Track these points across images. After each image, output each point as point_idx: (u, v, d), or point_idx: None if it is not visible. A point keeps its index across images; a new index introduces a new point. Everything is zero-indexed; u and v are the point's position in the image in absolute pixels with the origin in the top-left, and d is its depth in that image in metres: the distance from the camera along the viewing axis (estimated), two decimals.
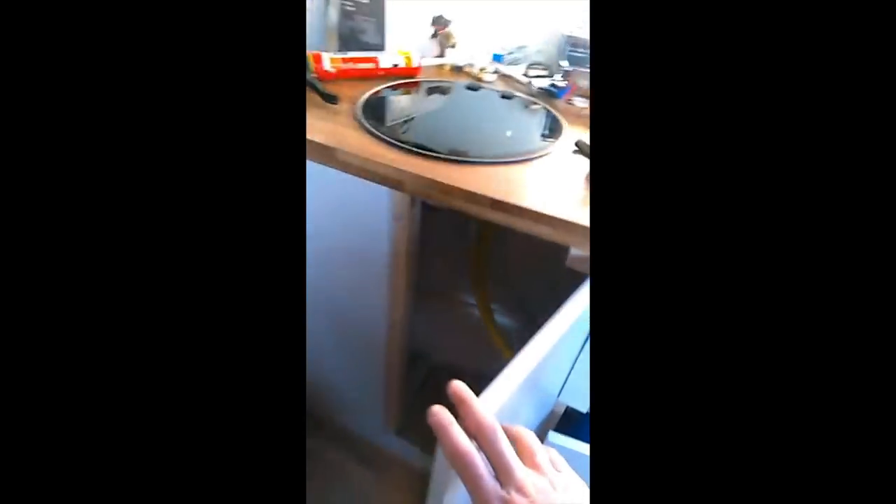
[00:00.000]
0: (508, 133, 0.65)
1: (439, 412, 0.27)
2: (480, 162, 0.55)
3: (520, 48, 0.87)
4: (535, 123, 0.70)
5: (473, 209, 0.51)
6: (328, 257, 0.72)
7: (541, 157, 0.58)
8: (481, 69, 0.81)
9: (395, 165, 0.52)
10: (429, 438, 0.27)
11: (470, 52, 0.87)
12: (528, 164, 0.56)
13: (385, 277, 0.67)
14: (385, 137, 0.57)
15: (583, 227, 0.46)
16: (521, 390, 0.32)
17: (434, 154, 0.55)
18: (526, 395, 0.36)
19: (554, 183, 0.53)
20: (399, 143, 0.56)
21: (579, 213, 0.47)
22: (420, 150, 0.55)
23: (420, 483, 0.98)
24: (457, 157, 0.54)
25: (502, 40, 0.87)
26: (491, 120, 0.69)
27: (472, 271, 0.89)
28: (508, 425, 0.29)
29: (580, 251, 0.49)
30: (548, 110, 0.72)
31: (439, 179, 0.51)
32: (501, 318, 0.97)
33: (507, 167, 0.55)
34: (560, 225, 0.47)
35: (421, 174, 0.51)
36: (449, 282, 0.99)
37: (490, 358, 0.87)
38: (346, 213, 0.64)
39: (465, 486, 0.26)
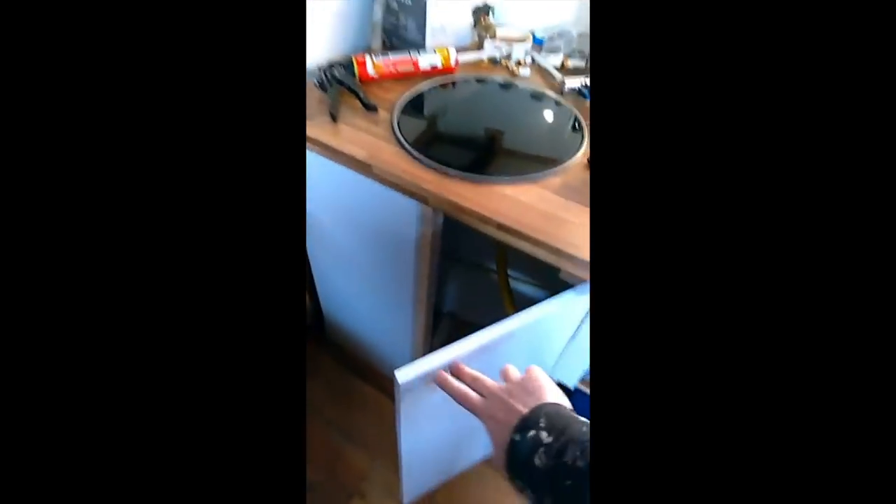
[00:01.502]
0: (530, 143, 0.70)
1: (441, 373, 0.43)
2: (496, 181, 0.61)
3: (560, 34, 0.87)
4: (558, 131, 0.73)
5: (484, 228, 0.59)
6: (366, 229, 0.82)
7: (557, 173, 0.63)
8: (517, 62, 0.83)
9: (419, 183, 0.61)
10: None
11: (511, 31, 0.88)
12: (544, 180, 0.62)
13: (414, 247, 0.76)
14: (413, 152, 0.64)
15: (582, 261, 0.52)
16: (472, 356, 0.46)
17: (454, 171, 0.62)
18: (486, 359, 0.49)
19: (562, 204, 0.59)
20: (424, 160, 0.63)
21: (579, 237, 0.53)
22: (441, 167, 0.62)
23: None
24: (474, 176, 0.61)
25: (544, 19, 0.88)
26: (516, 127, 0.73)
27: (496, 243, 0.98)
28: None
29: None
30: (575, 116, 0.74)
31: (454, 199, 0.58)
32: (522, 286, 1.06)
33: (522, 186, 0.61)
34: (558, 252, 0.54)
35: (440, 193, 0.59)
36: (476, 251, 1.10)
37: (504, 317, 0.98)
38: (382, 194, 0.73)
39: (467, 408, 0.40)
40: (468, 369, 0.43)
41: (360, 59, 0.76)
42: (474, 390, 0.40)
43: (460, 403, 0.41)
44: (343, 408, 1.18)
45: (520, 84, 0.81)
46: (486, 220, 0.57)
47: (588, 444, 0.31)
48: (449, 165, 0.62)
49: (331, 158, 0.69)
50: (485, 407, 0.38)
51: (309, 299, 1.18)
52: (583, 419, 0.34)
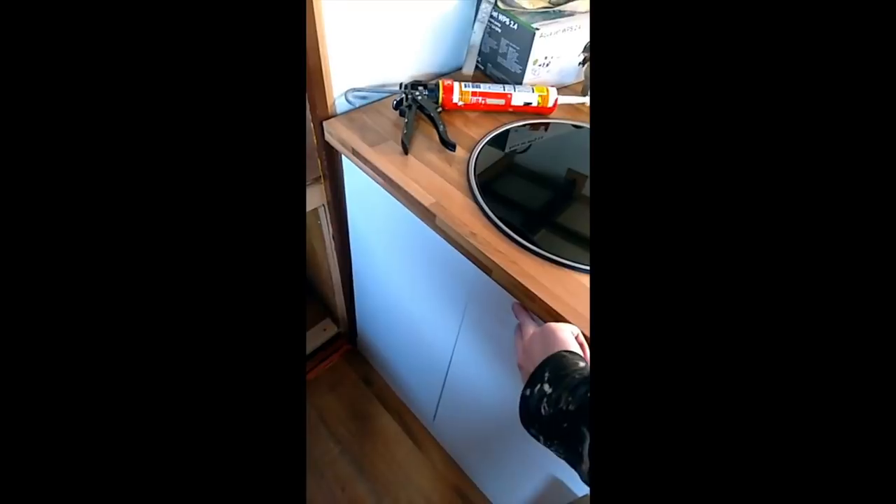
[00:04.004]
0: None
1: (516, 304, 0.52)
2: (573, 267, 0.50)
3: None
4: None
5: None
6: (415, 263, 0.74)
7: None
8: None
9: (486, 251, 0.51)
10: None
11: None
12: None
13: (464, 304, 0.68)
14: (486, 209, 0.55)
15: None
16: None
17: (527, 245, 0.52)
18: None
19: None
20: (497, 222, 0.54)
21: None
22: (514, 237, 0.52)
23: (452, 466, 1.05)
24: (550, 255, 0.51)
25: None
26: None
27: None
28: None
29: None
30: None
31: (523, 281, 0.48)
32: None
33: None
34: None
35: (508, 269, 0.50)
36: None
37: None
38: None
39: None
40: (525, 314, 0.49)
41: (446, 84, 0.67)
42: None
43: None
44: (357, 429, 1.12)
45: None
46: (555, 316, 0.47)
47: (577, 388, 0.35)
48: (525, 238, 0.52)
49: (392, 195, 0.61)
50: (519, 362, 0.43)
51: (345, 310, 1.13)
52: (580, 364, 0.38)
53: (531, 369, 0.39)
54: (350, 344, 1.26)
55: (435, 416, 1.02)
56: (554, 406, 0.35)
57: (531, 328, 0.45)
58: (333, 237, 0.88)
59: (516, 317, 0.50)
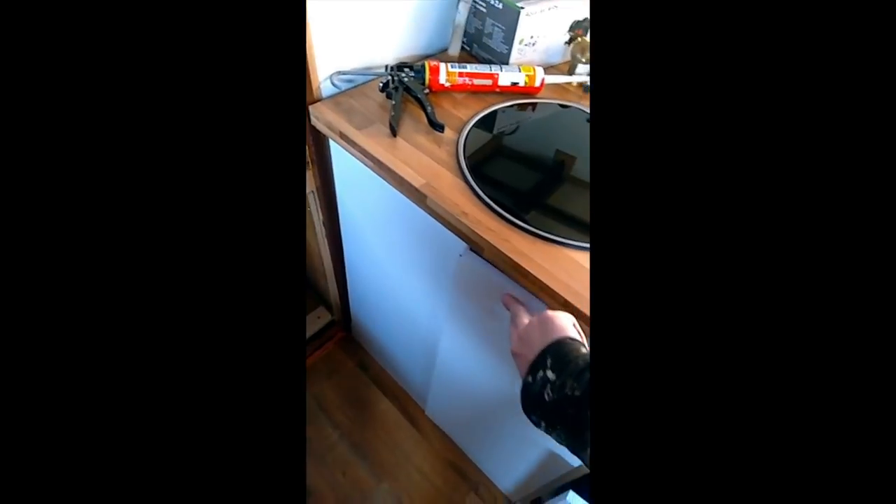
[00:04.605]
0: None
1: (507, 294, 0.50)
2: (570, 244, 0.51)
3: None
4: None
5: (547, 301, 0.49)
6: (406, 243, 0.75)
7: None
8: None
9: (478, 230, 0.52)
10: None
11: None
12: None
13: (454, 277, 0.69)
14: (476, 189, 0.55)
15: None
16: None
17: (518, 223, 0.52)
18: None
19: None
20: (488, 201, 0.54)
21: None
22: (505, 215, 0.53)
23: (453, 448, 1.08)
24: (542, 232, 0.51)
25: None
26: None
27: None
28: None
29: None
30: None
31: (515, 258, 0.49)
32: None
33: None
34: None
35: (500, 247, 0.50)
36: None
37: None
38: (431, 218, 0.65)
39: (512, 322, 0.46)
40: (517, 304, 0.48)
41: (433, 65, 0.67)
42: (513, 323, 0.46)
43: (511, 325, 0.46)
44: (356, 416, 1.13)
45: None
46: (551, 294, 0.48)
47: (583, 373, 0.35)
48: (516, 215, 0.53)
49: (382, 177, 0.61)
50: (514, 349, 0.43)
51: (338, 297, 1.13)
52: (582, 350, 0.38)
53: (530, 357, 0.39)
54: (345, 331, 1.26)
55: (429, 397, 1.04)
56: (559, 392, 0.35)
57: (525, 317, 0.44)
58: (324, 223, 0.88)
59: (507, 308, 0.49)
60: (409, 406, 1.16)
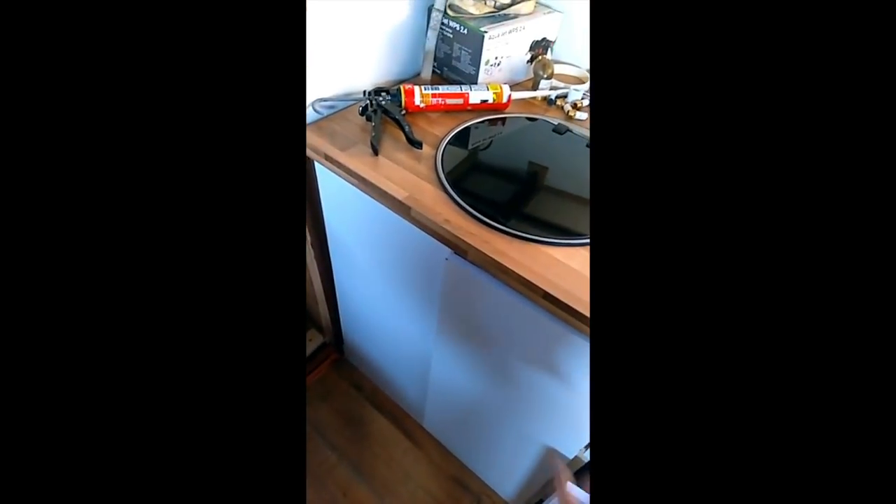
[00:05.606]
0: (585, 196, 0.64)
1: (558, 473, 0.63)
2: (545, 242, 0.55)
3: None
4: None
5: (529, 295, 0.53)
6: (394, 258, 0.78)
7: None
8: (574, 105, 0.78)
9: (460, 235, 0.55)
10: None
11: (570, 70, 0.83)
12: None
13: (441, 286, 0.72)
14: (455, 198, 0.59)
15: None
16: None
17: (497, 226, 0.56)
18: None
19: None
20: (468, 208, 0.58)
21: None
22: (484, 220, 0.57)
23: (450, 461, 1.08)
24: (519, 233, 0.56)
25: None
26: (567, 177, 0.67)
27: None
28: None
29: None
30: None
31: (497, 258, 0.53)
32: None
33: (574, 251, 0.55)
34: None
35: (482, 249, 0.54)
36: None
37: None
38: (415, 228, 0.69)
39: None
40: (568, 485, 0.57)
41: (408, 88, 0.72)
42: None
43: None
44: (353, 436, 1.14)
45: (575, 129, 0.75)
46: (531, 287, 0.51)
47: None
48: (495, 219, 0.57)
49: (367, 193, 0.65)
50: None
51: (329, 318, 1.15)
52: None
53: None
54: (337, 353, 1.28)
55: (426, 408, 1.05)
56: None
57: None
58: (312, 245, 0.91)
59: (556, 487, 0.60)
60: (405, 422, 1.17)
